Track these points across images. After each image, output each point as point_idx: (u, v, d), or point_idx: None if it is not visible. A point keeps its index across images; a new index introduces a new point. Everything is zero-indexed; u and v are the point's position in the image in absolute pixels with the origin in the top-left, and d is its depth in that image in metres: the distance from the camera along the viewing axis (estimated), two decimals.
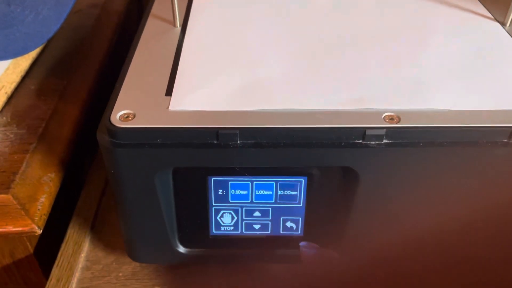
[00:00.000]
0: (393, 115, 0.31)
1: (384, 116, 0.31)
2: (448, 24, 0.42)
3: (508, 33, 0.40)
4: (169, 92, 0.33)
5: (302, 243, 0.34)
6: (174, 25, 0.42)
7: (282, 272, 0.36)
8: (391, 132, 0.30)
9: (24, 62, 0.47)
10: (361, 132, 0.30)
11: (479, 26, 0.41)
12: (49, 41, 0.53)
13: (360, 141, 0.31)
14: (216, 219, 0.36)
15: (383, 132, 0.30)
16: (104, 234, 0.43)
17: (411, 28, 0.41)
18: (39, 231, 0.35)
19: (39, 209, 0.35)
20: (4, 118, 0.42)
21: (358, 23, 0.42)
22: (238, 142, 0.31)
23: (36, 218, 0.35)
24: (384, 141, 0.31)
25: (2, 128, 0.40)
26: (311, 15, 0.43)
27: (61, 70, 0.49)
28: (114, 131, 0.30)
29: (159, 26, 0.42)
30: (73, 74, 0.49)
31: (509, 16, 0.41)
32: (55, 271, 0.39)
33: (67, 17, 0.49)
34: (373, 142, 0.31)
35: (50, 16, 0.46)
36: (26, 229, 0.34)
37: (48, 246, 0.44)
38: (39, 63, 0.50)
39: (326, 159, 0.32)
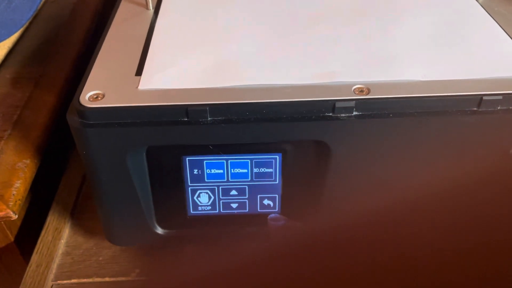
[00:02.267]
0: (362, 87, 0.31)
1: (354, 89, 0.31)
2: None
3: (480, 5, 0.40)
4: (139, 72, 0.33)
5: (269, 216, 0.34)
6: (147, 8, 0.41)
7: (261, 250, 0.36)
8: (361, 104, 0.30)
9: None
10: (331, 105, 0.30)
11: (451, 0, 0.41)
12: (25, 30, 0.52)
13: (330, 114, 0.31)
14: (193, 200, 0.36)
15: (352, 104, 0.30)
16: (84, 220, 0.43)
17: (381, 2, 0.41)
18: (14, 216, 0.35)
19: (13, 195, 0.35)
20: None
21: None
22: (209, 119, 0.31)
23: (11, 204, 0.35)
24: (354, 113, 0.31)
25: None
26: None
27: (37, 58, 0.49)
28: (83, 112, 0.30)
29: (132, 9, 0.42)
30: (49, 62, 0.48)
31: None
32: (34, 258, 0.39)
33: (43, 6, 0.49)
34: (343, 115, 0.31)
35: (23, 4, 0.45)
36: (1, 214, 0.34)
37: (28, 234, 0.43)
38: (15, 52, 0.49)
39: (297, 133, 0.32)
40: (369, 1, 0.41)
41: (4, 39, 0.44)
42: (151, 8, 0.41)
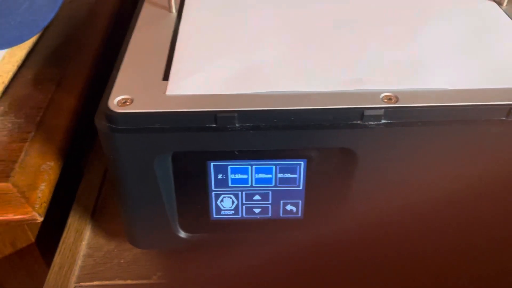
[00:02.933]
0: (391, 95, 0.31)
1: (382, 97, 0.31)
2: (445, 4, 0.42)
3: (505, 12, 0.40)
4: (166, 76, 0.33)
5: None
6: (170, 11, 0.41)
7: (283, 255, 0.36)
8: (389, 112, 0.30)
9: (19, 51, 0.46)
10: (360, 113, 0.30)
11: (475, 6, 0.41)
12: (44, 31, 0.52)
13: (358, 121, 0.31)
14: (216, 204, 0.36)
15: (381, 112, 0.30)
16: (104, 222, 0.43)
17: (408, 9, 0.41)
18: (40, 219, 0.35)
19: (39, 197, 0.35)
20: (2, 107, 0.42)
21: (356, 5, 0.42)
22: (237, 125, 0.31)
23: (37, 206, 0.35)
24: (382, 121, 0.31)
25: (0, 118, 0.40)
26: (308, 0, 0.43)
27: (56, 59, 0.49)
28: (112, 116, 0.30)
29: (155, 12, 0.42)
30: (68, 63, 0.48)
31: None
32: (57, 259, 0.39)
33: (61, 6, 0.49)
34: (371, 123, 0.31)
35: (45, 5, 0.45)
36: (26, 216, 0.34)
37: (49, 235, 0.44)
38: (35, 52, 0.49)
39: (324, 140, 0.32)
40: (395, 8, 0.41)
41: (26, 39, 0.45)
42: (174, 11, 0.41)
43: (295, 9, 0.41)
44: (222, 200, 0.36)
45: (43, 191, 0.36)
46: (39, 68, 0.47)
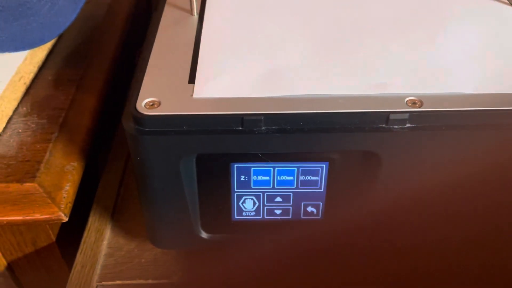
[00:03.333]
0: (415, 100, 0.31)
1: (407, 101, 0.31)
2: (465, 8, 0.42)
3: None
4: (192, 79, 0.34)
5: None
6: (192, 14, 0.42)
7: (301, 255, 0.37)
8: (414, 116, 0.31)
9: (40, 52, 0.47)
10: (385, 117, 0.31)
11: (495, 10, 0.41)
12: (63, 32, 0.53)
13: (383, 125, 0.31)
14: (238, 205, 0.37)
15: (406, 116, 0.31)
16: (124, 222, 0.44)
17: (428, 12, 0.41)
18: (66, 219, 0.35)
19: (64, 197, 0.36)
20: (24, 108, 0.42)
21: (376, 9, 0.42)
22: (263, 128, 0.31)
23: (62, 206, 0.35)
24: (407, 125, 0.31)
25: (23, 118, 0.41)
26: (330, 2, 0.43)
27: (76, 60, 0.49)
28: (141, 119, 0.31)
29: (177, 15, 0.42)
30: (88, 64, 0.49)
31: None
32: (79, 258, 0.40)
33: None
34: (396, 127, 0.31)
35: (66, 6, 0.46)
36: (53, 216, 0.35)
37: (69, 235, 0.44)
38: (54, 53, 0.50)
39: (349, 143, 0.32)
40: (414, 11, 0.41)
41: (48, 41, 0.45)
42: (195, 14, 0.42)
43: (316, 11, 0.41)
44: (244, 201, 0.37)
45: (68, 191, 0.36)
46: (59, 69, 0.47)
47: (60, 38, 0.52)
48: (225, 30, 0.39)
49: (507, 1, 0.43)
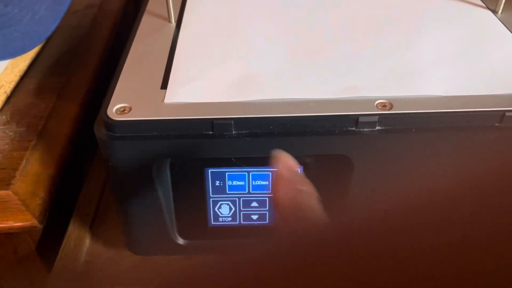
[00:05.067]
0: (385, 102, 0.32)
1: (377, 103, 0.32)
2: (441, 12, 0.42)
3: (500, 20, 0.41)
4: (164, 85, 0.34)
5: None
6: (169, 21, 0.42)
7: (279, 260, 0.36)
8: (384, 119, 0.31)
9: (22, 62, 0.47)
10: (354, 119, 0.31)
11: (471, 14, 0.42)
12: (47, 41, 0.53)
13: (353, 128, 0.31)
14: (214, 210, 0.37)
15: (375, 119, 0.31)
16: (104, 230, 0.43)
17: (403, 17, 0.41)
18: (40, 226, 0.35)
19: (39, 204, 0.36)
20: (4, 116, 0.42)
21: (351, 13, 0.42)
22: (233, 132, 0.31)
23: (37, 213, 0.35)
24: (377, 127, 0.31)
25: (2, 127, 0.41)
26: (304, 9, 0.43)
27: (59, 69, 0.49)
28: (111, 124, 0.31)
29: (154, 22, 0.42)
30: (71, 72, 0.49)
31: (500, 3, 0.42)
32: (57, 265, 0.40)
33: (64, 17, 0.50)
34: (366, 129, 0.31)
35: (47, 16, 0.46)
36: (27, 224, 0.35)
37: (50, 243, 0.44)
38: (37, 62, 0.50)
39: (320, 147, 0.32)
40: (390, 16, 0.41)
41: (29, 50, 0.45)
42: (173, 21, 0.42)
43: (292, 18, 0.42)
44: (220, 207, 0.37)
45: (43, 198, 0.36)
46: (41, 78, 0.48)
47: (44, 47, 0.52)
48: (201, 37, 0.40)
49: (483, 5, 0.43)
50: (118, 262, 0.41)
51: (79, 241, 0.42)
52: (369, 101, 0.32)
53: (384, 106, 0.31)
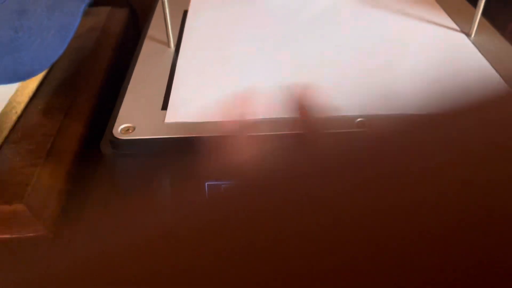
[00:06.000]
0: (364, 120, 0.35)
1: (357, 122, 0.35)
2: (418, 36, 0.46)
3: (472, 43, 0.44)
4: (165, 106, 0.37)
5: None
6: (168, 46, 0.46)
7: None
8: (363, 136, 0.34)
9: (32, 83, 0.50)
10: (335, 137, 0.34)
11: (446, 37, 0.45)
12: (54, 63, 0.57)
13: None
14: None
15: (355, 136, 0.34)
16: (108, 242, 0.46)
17: (384, 40, 0.45)
18: (51, 236, 0.38)
19: (50, 216, 0.39)
20: (15, 135, 0.45)
21: (336, 38, 0.46)
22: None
23: (48, 224, 0.38)
24: (356, 144, 0.34)
25: (13, 145, 0.44)
26: (294, 32, 0.47)
27: (65, 89, 0.53)
28: (117, 143, 0.34)
29: (155, 47, 0.46)
30: (76, 93, 0.52)
31: (473, 28, 0.45)
32: None
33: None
34: (346, 146, 0.34)
35: (55, 42, 0.50)
36: (38, 234, 0.38)
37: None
38: (45, 84, 0.53)
39: None
40: (372, 40, 0.45)
41: (38, 73, 0.49)
42: (172, 46, 0.46)
43: (283, 41, 0.45)
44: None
45: (54, 210, 0.39)
46: (48, 98, 0.51)
47: (50, 69, 0.56)
48: (198, 61, 0.43)
49: (458, 28, 0.47)
50: None
51: None
52: (350, 119, 0.35)
53: (363, 124, 0.35)
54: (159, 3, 0.48)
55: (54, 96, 0.52)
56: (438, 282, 0.11)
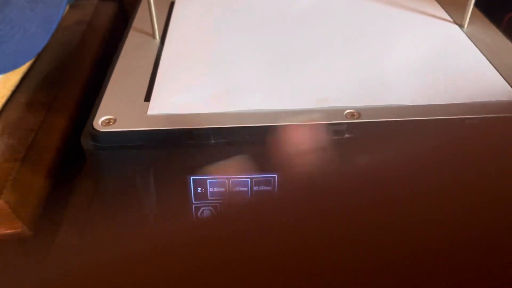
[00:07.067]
0: (354, 112, 0.34)
1: (346, 113, 0.34)
2: (411, 27, 0.45)
3: (465, 34, 0.43)
4: (148, 98, 0.36)
5: None
6: (154, 37, 0.44)
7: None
8: (351, 127, 0.33)
9: (14, 77, 0.49)
10: (325, 128, 0.33)
11: (439, 28, 0.44)
12: (38, 57, 0.55)
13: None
14: (197, 216, 0.39)
15: (344, 127, 0.33)
16: (94, 239, 0.45)
17: (375, 31, 0.44)
18: (30, 233, 0.37)
19: (29, 213, 0.37)
20: None
21: (327, 29, 0.45)
22: (212, 141, 0.33)
23: (27, 221, 0.37)
24: (346, 135, 0.33)
25: None
26: (282, 25, 0.46)
27: (49, 84, 0.51)
28: (97, 135, 0.33)
29: (140, 39, 0.45)
30: (60, 87, 0.51)
31: (466, 19, 0.44)
32: None
33: (54, 34, 0.52)
34: (336, 137, 0.33)
35: (38, 33, 0.48)
36: (18, 231, 0.36)
37: (38, 251, 0.45)
38: (28, 77, 0.52)
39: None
40: (364, 30, 0.44)
41: (21, 66, 0.47)
42: (157, 37, 0.44)
43: (271, 33, 0.44)
44: (202, 212, 0.39)
45: (34, 207, 0.38)
46: (32, 92, 0.50)
47: (35, 63, 0.54)
48: (183, 53, 0.42)
49: (451, 19, 0.46)
50: None
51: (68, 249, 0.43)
52: (339, 111, 0.34)
53: (352, 115, 0.34)
54: None
55: (38, 90, 0.50)
56: (438, 282, 0.11)
